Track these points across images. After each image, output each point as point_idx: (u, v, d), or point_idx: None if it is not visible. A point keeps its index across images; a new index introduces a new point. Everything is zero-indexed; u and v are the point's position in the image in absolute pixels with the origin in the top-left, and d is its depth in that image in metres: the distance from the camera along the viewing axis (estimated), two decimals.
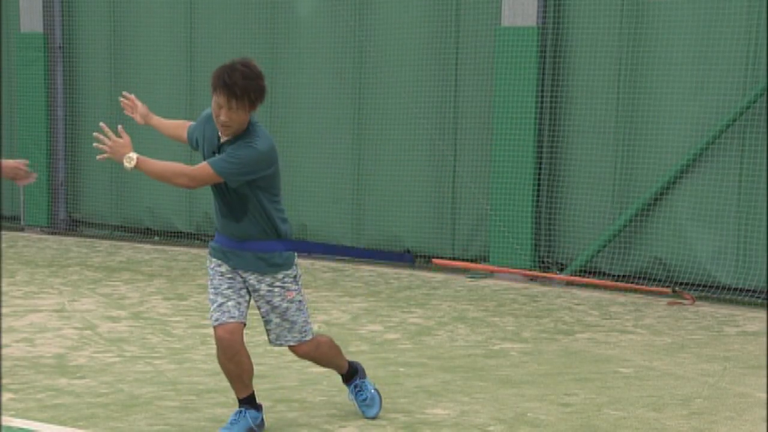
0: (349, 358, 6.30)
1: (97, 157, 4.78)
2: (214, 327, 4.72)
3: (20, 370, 5.88)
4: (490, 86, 9.65)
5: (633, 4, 8.94)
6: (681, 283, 8.82)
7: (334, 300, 8.25)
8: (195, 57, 11.36)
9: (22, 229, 12.44)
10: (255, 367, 5.93)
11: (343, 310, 7.81)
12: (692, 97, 8.73)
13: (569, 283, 9.28)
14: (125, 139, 4.67)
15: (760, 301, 8.48)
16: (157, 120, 5.35)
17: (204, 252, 11.06)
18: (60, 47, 12.12)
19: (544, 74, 9.36)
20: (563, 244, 9.47)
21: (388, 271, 9.90)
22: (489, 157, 9.70)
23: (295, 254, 4.87)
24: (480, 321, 7.70)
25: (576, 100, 9.30)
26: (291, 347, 4.91)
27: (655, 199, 8.98)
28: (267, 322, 4.85)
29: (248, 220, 4.69)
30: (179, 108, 11.50)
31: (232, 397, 5.36)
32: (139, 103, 5.40)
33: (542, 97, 9.39)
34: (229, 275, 4.76)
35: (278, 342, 4.87)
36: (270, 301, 4.77)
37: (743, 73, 8.49)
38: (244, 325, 4.74)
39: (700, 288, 8.72)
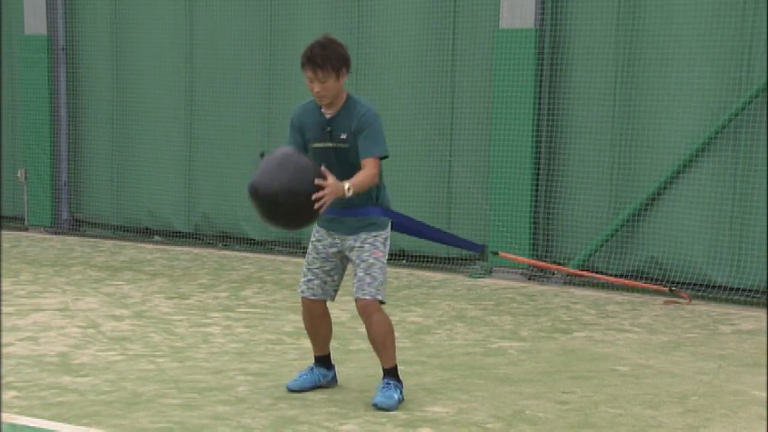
0: (350, 356, 6.40)
1: (318, 208, 4.79)
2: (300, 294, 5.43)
3: (24, 368, 5.91)
4: (489, 87, 9.69)
5: (629, 6, 8.98)
6: (677, 282, 8.88)
7: (334, 299, 8.31)
8: (195, 58, 11.42)
9: (26, 229, 12.51)
10: (256, 366, 6.08)
11: (343, 309, 7.83)
12: (688, 98, 8.76)
13: (567, 282, 9.32)
14: (330, 177, 4.84)
15: (755, 300, 8.53)
16: None
17: (205, 252, 11.12)
18: (63, 49, 12.19)
19: (542, 75, 9.39)
20: (561, 244, 9.52)
21: (388, 269, 9.95)
22: (488, 157, 9.74)
23: (390, 220, 5.31)
24: (478, 320, 7.74)
25: (573, 101, 9.34)
26: (362, 303, 5.19)
27: (652, 200, 9.02)
28: (354, 275, 5.24)
29: None
30: (179, 108, 11.57)
31: (232, 395, 5.44)
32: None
33: (540, 97, 9.42)
34: (325, 254, 5.30)
35: (356, 294, 5.18)
36: (360, 255, 5.20)
37: (738, 75, 8.54)
38: (325, 301, 5.40)
39: (696, 287, 8.77)
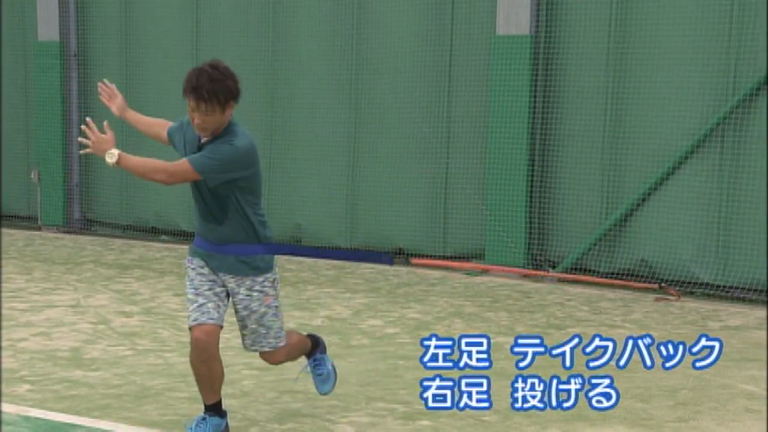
0: (351, 351, 6.49)
1: (80, 151, 4.74)
2: (191, 327, 4.55)
3: (37, 362, 6.02)
4: (485, 91, 9.76)
5: (621, 13, 9.09)
6: (665, 280, 9.01)
7: (336, 296, 8.40)
8: (200, 63, 11.58)
9: (39, 229, 12.60)
10: (261, 361, 6.01)
11: (345, 305, 7.95)
12: (677, 102, 8.86)
13: (561, 280, 9.41)
14: (109, 135, 4.47)
15: (742, 297, 8.65)
16: (133, 114, 5.14)
17: None
18: (75, 55, 12.37)
19: (536, 80, 9.49)
20: (555, 244, 9.61)
21: (388, 268, 10.00)
22: (484, 159, 9.81)
23: (275, 258, 4.78)
24: (476, 316, 7.83)
25: (567, 106, 9.43)
26: (265, 354, 4.79)
27: (642, 200, 9.11)
28: (243, 327, 4.73)
29: (229, 223, 4.59)
30: (184, 113, 11.70)
31: (238, 388, 5.52)
32: (118, 94, 5.12)
33: (535, 102, 9.50)
34: (211, 277, 4.63)
35: (253, 347, 4.75)
36: (248, 306, 4.65)
37: (725, 81, 8.65)
38: (221, 328, 4.59)
39: (684, 285, 8.89)
